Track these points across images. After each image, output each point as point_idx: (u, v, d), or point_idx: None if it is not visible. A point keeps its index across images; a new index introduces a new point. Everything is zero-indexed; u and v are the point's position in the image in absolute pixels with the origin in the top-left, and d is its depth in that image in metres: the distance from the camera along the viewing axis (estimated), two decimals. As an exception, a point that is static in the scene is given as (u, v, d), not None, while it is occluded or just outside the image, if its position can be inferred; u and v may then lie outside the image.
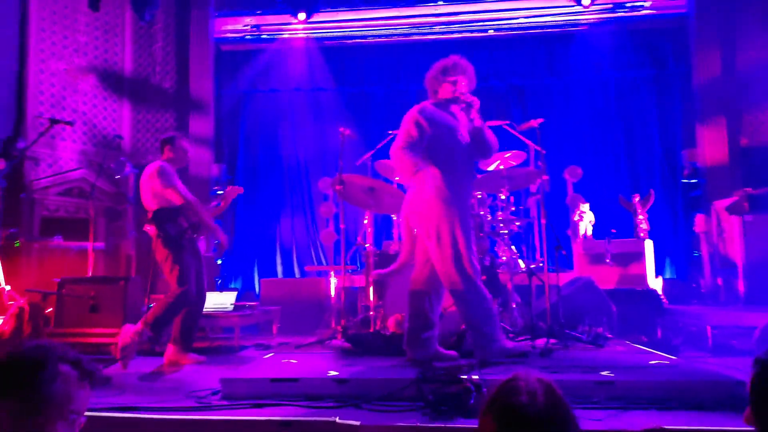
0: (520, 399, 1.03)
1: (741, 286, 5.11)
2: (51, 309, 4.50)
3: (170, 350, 3.91)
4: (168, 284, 3.92)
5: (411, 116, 3.26)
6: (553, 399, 1.06)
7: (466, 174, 3.34)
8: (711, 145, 6.65)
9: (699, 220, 6.03)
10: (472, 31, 7.51)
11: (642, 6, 7.21)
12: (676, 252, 7.04)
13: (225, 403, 2.67)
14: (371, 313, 4.36)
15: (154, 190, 3.90)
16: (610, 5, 7.25)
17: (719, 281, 5.56)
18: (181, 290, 3.82)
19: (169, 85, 7.41)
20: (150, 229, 3.92)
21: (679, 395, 2.54)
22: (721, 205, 5.56)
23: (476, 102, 3.31)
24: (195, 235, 4.01)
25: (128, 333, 3.75)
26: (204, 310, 4.95)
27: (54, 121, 3.80)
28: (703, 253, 5.99)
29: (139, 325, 3.77)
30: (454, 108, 3.38)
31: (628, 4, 7.24)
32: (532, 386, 1.07)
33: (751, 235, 5.08)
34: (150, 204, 3.93)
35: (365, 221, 4.91)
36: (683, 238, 7.01)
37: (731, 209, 5.30)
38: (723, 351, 3.89)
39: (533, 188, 5.12)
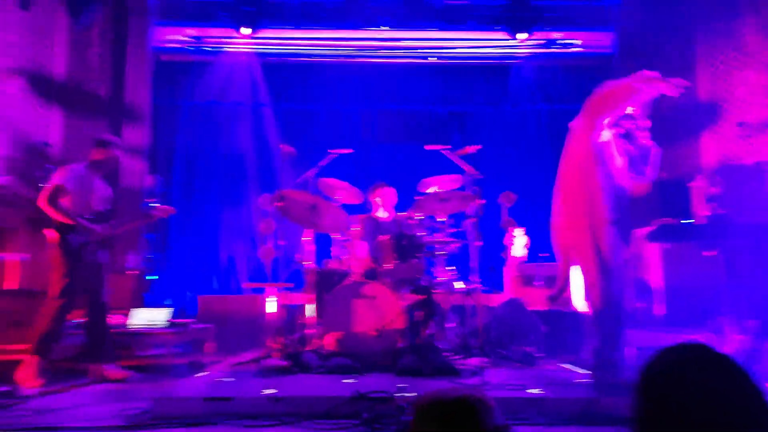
0: None
1: (656, 309, 5.46)
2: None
3: (95, 368, 3.75)
4: (50, 290, 3.71)
5: None
6: None
7: None
8: (633, 177, 7.13)
9: (621, 246, 6.40)
10: (414, 57, 7.72)
11: (572, 44, 7.68)
12: (600, 276, 7.43)
13: (155, 422, 2.59)
14: (308, 331, 4.35)
15: None
16: (543, 41, 7.67)
17: (638, 305, 5.92)
18: (60, 302, 3.67)
19: (103, 92, 7.13)
20: (50, 234, 3.74)
21: (602, 411, 2.70)
22: (640, 233, 5.95)
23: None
24: (98, 249, 3.87)
25: (25, 369, 3.55)
26: (136, 326, 4.78)
27: (-25, 125, 3.58)
28: (625, 278, 6.36)
29: (29, 359, 3.58)
30: None
31: (560, 41, 7.68)
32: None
33: (670, 262, 5.45)
34: None
35: (306, 239, 4.90)
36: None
37: (649, 237, 5.67)
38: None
39: (470, 211, 5.30)
